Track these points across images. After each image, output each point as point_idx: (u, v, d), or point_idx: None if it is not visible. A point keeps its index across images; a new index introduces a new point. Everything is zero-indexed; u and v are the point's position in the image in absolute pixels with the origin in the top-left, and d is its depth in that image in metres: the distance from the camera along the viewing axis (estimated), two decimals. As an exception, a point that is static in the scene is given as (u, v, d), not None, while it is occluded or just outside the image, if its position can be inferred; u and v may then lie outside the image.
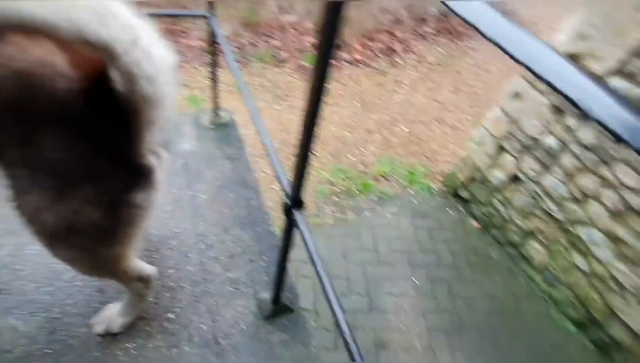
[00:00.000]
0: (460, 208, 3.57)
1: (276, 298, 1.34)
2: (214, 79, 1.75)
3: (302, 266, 2.82)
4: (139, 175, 0.84)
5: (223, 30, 1.61)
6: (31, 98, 0.67)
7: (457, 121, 4.38)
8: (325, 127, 3.91)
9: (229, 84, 3.73)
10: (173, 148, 1.78)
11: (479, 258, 3.25)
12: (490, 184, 3.27)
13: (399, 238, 3.27)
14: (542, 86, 2.71)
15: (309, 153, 0.86)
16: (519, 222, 3.13)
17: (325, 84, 0.74)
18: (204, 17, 1.54)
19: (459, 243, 3.32)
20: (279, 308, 1.36)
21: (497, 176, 3.21)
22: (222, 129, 1.92)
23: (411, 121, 4.27)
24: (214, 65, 1.72)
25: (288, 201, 0.92)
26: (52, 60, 0.67)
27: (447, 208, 3.57)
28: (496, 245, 3.35)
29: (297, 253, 2.88)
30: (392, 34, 5.21)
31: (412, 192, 3.61)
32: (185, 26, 4.27)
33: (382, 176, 3.65)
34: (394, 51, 5.07)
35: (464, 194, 3.53)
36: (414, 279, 3.03)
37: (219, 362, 1.24)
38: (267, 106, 4.03)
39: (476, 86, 4.93)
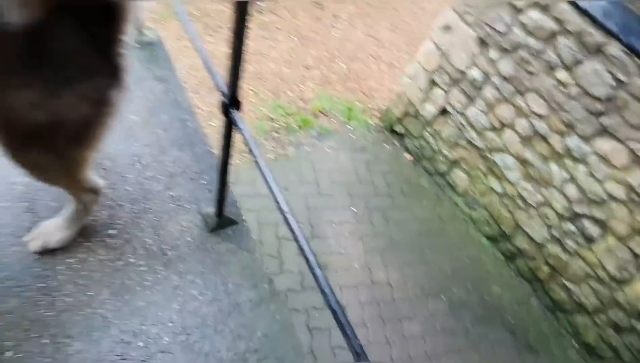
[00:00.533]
0: (395, 142, 3.78)
1: (220, 211, 1.38)
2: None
3: (246, 201, 2.86)
4: (116, 73, 0.87)
5: None
6: None
7: (393, 58, 4.48)
8: (263, 63, 3.80)
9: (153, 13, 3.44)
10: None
11: (411, 187, 3.53)
12: (422, 118, 3.48)
13: (338, 171, 3.41)
14: (471, 18, 2.85)
15: (242, 52, 0.87)
16: (446, 152, 3.41)
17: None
18: None
19: (393, 174, 3.56)
20: (223, 220, 1.41)
21: (429, 109, 3.41)
22: (149, 49, 1.80)
23: (349, 58, 4.29)
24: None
25: (225, 100, 0.93)
26: None
27: (383, 143, 3.76)
28: (426, 175, 3.65)
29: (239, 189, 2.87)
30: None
31: (350, 128, 3.73)
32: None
33: (321, 112, 3.70)
34: (331, -16, 4.92)
35: (399, 128, 3.72)
36: (352, 208, 3.23)
37: (167, 270, 1.28)
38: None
39: (412, 24, 5.02)
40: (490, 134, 3.05)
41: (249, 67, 3.46)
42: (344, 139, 3.63)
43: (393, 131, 3.79)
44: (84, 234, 1.26)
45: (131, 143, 1.51)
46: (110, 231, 1.30)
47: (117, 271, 1.24)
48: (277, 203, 0.80)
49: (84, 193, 1.12)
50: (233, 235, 1.42)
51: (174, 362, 1.13)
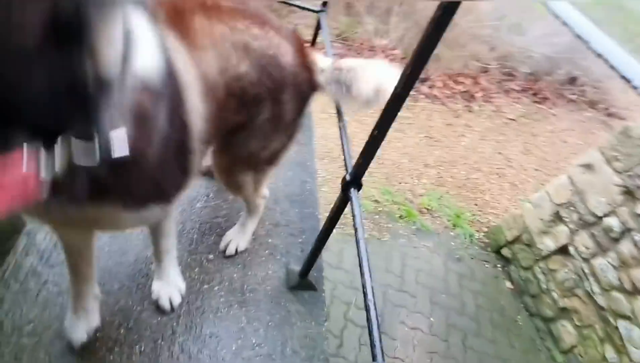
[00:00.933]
0: (498, 265, 3.47)
1: (305, 273, 1.43)
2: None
3: (326, 269, 2.89)
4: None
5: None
6: (277, 71, 1.04)
7: (518, 179, 4.27)
8: (386, 150, 3.99)
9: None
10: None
11: (503, 320, 3.13)
12: (536, 250, 3.16)
13: (428, 273, 3.24)
14: (619, 164, 2.62)
15: (380, 142, 0.97)
16: (556, 297, 2.99)
17: (407, 91, 0.85)
18: (316, 11, 1.71)
19: (486, 298, 3.23)
20: (304, 282, 1.45)
21: (546, 243, 3.10)
22: (298, 116, 2.08)
23: (471, 167, 4.23)
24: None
25: (348, 177, 1.02)
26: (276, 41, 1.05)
27: (484, 260, 3.48)
28: (525, 313, 3.21)
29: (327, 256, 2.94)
30: (476, 80, 5.22)
31: (452, 234, 3.57)
32: (282, 14, 4.57)
33: (427, 210, 3.65)
34: (474, 97, 5.07)
35: (506, 252, 3.43)
36: (431, 318, 2.98)
37: (240, 309, 1.35)
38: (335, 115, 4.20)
39: (548, 152, 4.78)
40: (618, 295, 2.60)
41: (371, 149, 3.68)
42: (443, 244, 3.48)
43: (498, 253, 3.51)
44: (192, 249, 1.44)
45: (254, 186, 1.72)
46: (210, 256, 1.46)
47: (200, 293, 1.36)
48: (364, 288, 0.82)
49: (259, 199, 1.45)
50: (308, 300, 1.44)
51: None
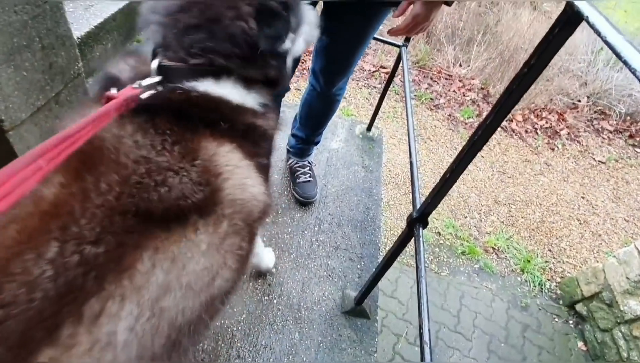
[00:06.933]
0: (570, 321, 3.15)
1: (360, 300, 1.45)
2: (381, 100, 1.97)
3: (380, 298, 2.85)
4: None
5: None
6: None
7: (602, 229, 3.87)
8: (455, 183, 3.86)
9: (383, 110, 4.00)
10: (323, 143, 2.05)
11: (571, 384, 2.83)
12: (618, 311, 2.83)
13: (487, 318, 3.04)
14: None
15: (455, 180, 0.97)
16: (639, 369, 2.63)
17: (484, 140, 0.85)
18: (399, 45, 1.77)
19: (553, 356, 2.94)
20: (358, 309, 1.48)
21: (632, 306, 2.76)
22: (369, 142, 2.13)
23: (548, 210, 3.92)
24: (386, 88, 1.94)
25: (415, 214, 1.04)
26: None
27: (553, 314, 3.19)
28: (599, 381, 2.87)
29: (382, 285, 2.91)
30: (562, 116, 4.87)
31: (519, 279, 3.33)
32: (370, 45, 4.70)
33: (493, 249, 3.45)
34: (558, 134, 4.72)
35: (581, 308, 3.11)
36: (486, 366, 2.79)
37: (294, 325, 1.41)
38: (405, 140, 4.18)
39: (642, 203, 4.27)
40: None
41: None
42: (508, 289, 3.25)
43: (572, 308, 3.19)
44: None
45: (321, 207, 1.79)
46: (274, 270, 1.54)
47: (260, 303, 1.44)
48: (421, 329, 0.82)
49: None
50: (360, 327, 1.46)
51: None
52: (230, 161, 0.69)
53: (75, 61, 1.01)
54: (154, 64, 0.70)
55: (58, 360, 0.48)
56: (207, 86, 0.72)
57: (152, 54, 0.74)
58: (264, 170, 0.80)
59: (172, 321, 0.58)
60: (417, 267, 0.99)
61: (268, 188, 0.81)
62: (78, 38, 1.50)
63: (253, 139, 0.77)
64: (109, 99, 0.61)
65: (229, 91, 0.75)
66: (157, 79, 0.69)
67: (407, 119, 1.36)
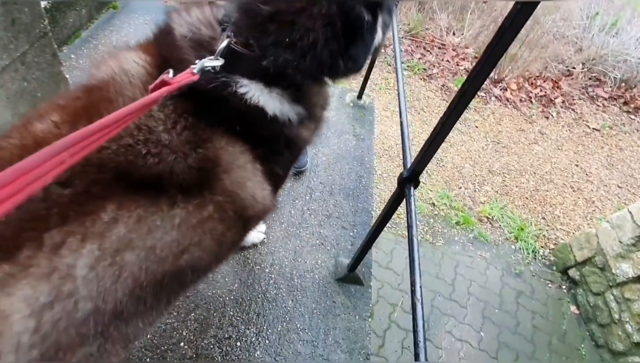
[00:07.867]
0: (563, 286, 3.20)
1: (353, 267, 1.44)
2: (371, 65, 1.91)
3: (374, 269, 2.86)
4: None
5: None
6: None
7: (596, 196, 3.88)
8: (449, 152, 3.84)
9: (376, 82, 3.93)
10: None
11: (564, 347, 2.89)
12: (611, 275, 2.86)
13: (482, 286, 3.08)
14: None
15: (443, 139, 0.94)
16: (630, 330, 2.69)
17: (468, 99, 0.82)
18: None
19: (546, 320, 2.99)
20: (351, 276, 1.46)
21: (624, 269, 2.79)
22: (359, 110, 2.08)
23: (541, 178, 3.92)
24: (373, 59, 1.87)
25: (405, 173, 1.01)
26: None
27: (547, 279, 3.23)
28: (591, 343, 2.93)
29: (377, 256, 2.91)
30: (557, 84, 4.81)
31: (513, 247, 3.35)
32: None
33: (487, 219, 3.46)
34: (552, 102, 4.68)
35: (574, 273, 3.15)
36: (481, 332, 2.84)
37: (287, 293, 1.40)
38: (397, 113, 4.11)
39: (636, 169, 4.28)
40: None
41: (432, 150, 3.56)
42: (502, 256, 3.28)
43: (565, 273, 3.23)
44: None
45: (311, 176, 1.75)
46: (265, 239, 1.51)
47: (252, 272, 1.42)
48: (413, 286, 0.80)
49: None
50: (354, 294, 1.45)
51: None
52: (234, 160, 0.69)
53: (40, 19, 0.94)
54: (223, 43, 0.66)
55: (14, 277, 0.50)
56: (255, 91, 0.69)
57: (221, 24, 0.70)
58: (274, 178, 0.79)
59: (135, 277, 0.60)
60: (408, 226, 0.96)
61: (273, 195, 0.81)
62: (49, 3, 1.41)
63: (273, 147, 0.76)
64: (164, 83, 0.57)
65: (271, 101, 0.71)
66: (220, 62, 0.65)
67: (397, 75, 1.30)
